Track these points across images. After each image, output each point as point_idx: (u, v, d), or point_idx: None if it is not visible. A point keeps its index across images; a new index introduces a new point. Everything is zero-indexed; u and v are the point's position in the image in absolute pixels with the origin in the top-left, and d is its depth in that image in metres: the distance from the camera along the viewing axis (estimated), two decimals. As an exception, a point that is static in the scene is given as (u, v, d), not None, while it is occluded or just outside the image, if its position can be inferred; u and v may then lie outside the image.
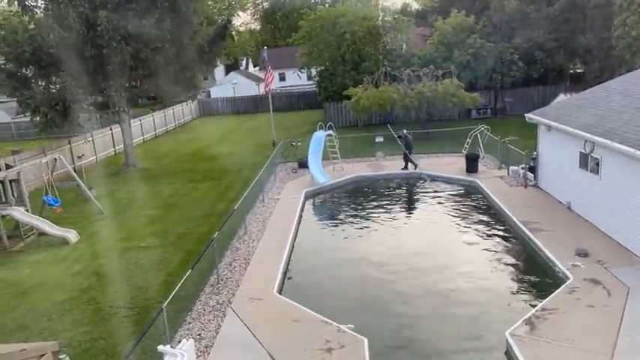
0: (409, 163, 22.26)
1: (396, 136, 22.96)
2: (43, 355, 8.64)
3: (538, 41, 33.98)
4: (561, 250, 12.84)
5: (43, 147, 27.59)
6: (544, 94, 34.53)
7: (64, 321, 11.60)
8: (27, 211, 17.40)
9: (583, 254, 12.47)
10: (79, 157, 28.13)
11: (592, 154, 14.18)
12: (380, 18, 41.31)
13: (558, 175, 16.76)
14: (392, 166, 22.94)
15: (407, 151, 22.17)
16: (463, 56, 32.92)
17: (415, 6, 76.99)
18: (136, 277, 13.68)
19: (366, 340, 9.63)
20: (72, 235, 16.95)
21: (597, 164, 14.01)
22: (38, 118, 25.19)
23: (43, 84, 25.62)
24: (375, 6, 62.60)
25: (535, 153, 18.58)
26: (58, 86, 25.43)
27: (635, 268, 11.69)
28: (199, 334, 10.46)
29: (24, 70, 24.86)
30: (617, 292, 10.74)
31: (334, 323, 10.35)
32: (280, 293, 12.10)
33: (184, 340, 8.97)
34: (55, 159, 19.94)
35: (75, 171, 21.42)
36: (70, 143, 28.55)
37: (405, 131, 22.78)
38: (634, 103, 14.26)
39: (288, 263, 14.04)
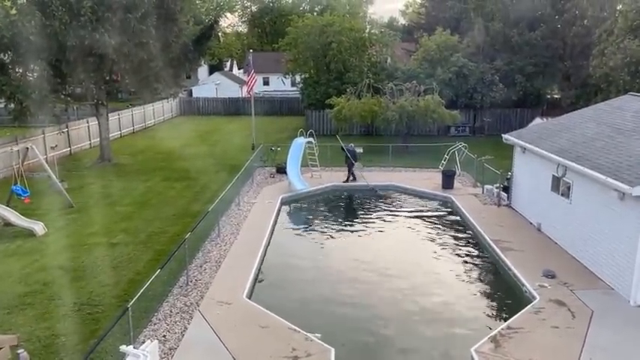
0: (350, 175, 22.81)
1: (344, 148, 23.12)
2: (0, 348, 8.39)
3: (519, 65, 34.83)
4: (529, 271, 13.06)
5: (16, 135, 26.86)
6: (522, 117, 35.41)
7: (25, 315, 11.26)
8: (-6, 199, 16.91)
9: (550, 276, 12.71)
10: (52, 147, 27.45)
11: (564, 178, 14.51)
12: (367, 30, 41.76)
13: (530, 197, 17.10)
14: (369, 177, 23.01)
15: (353, 162, 22.66)
16: (445, 74, 33.45)
17: (402, 21, 78.29)
18: (103, 274, 13.38)
19: (332, 350, 9.60)
20: (39, 227, 16.50)
21: (568, 188, 14.34)
22: (13, 105, 24.53)
23: (20, 71, 24.98)
24: (363, 18, 63.29)
25: (510, 173, 18.94)
26: (35, 74, 24.82)
27: (599, 292, 11.96)
28: (164, 336, 10.28)
29: (1, 56, 24.19)
30: (581, 314, 10.96)
31: (302, 331, 10.29)
32: (250, 298, 12.00)
33: (148, 341, 8.81)
34: (27, 148, 19.42)
35: (47, 162, 20.89)
36: (43, 133, 27.85)
37: (351, 145, 23.43)
38: (607, 131, 14.69)
39: (259, 269, 13.93)
